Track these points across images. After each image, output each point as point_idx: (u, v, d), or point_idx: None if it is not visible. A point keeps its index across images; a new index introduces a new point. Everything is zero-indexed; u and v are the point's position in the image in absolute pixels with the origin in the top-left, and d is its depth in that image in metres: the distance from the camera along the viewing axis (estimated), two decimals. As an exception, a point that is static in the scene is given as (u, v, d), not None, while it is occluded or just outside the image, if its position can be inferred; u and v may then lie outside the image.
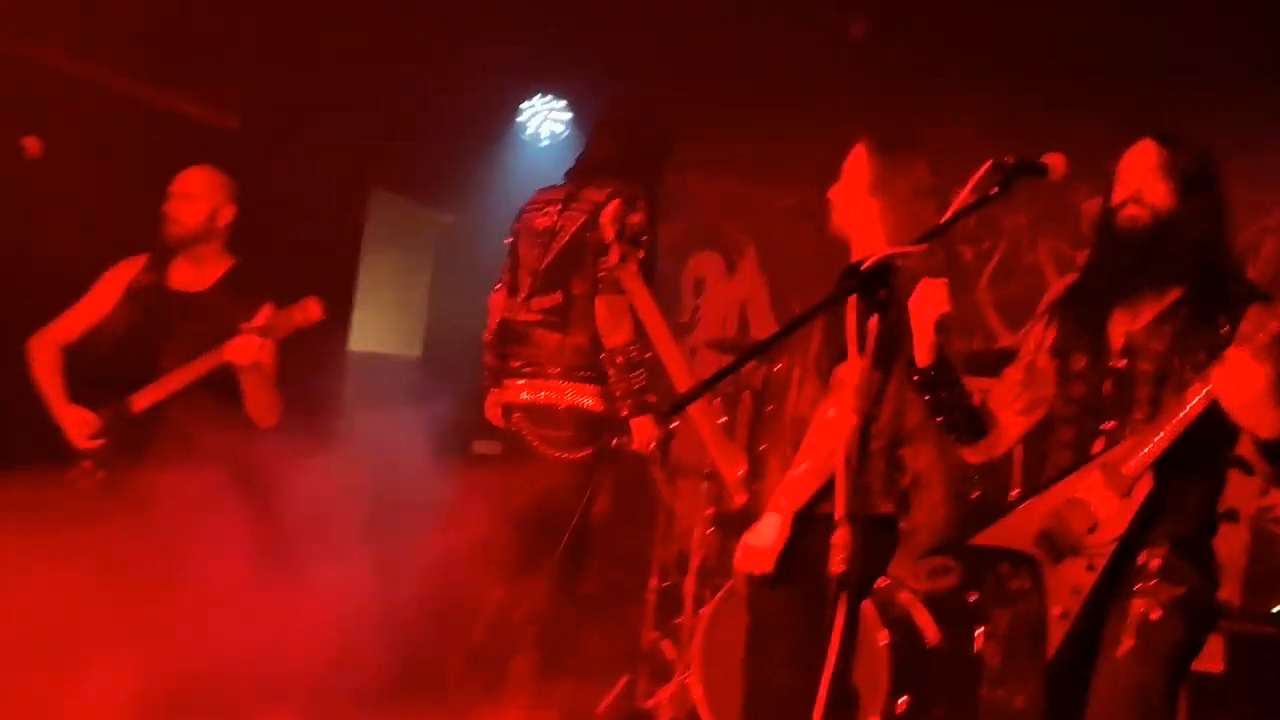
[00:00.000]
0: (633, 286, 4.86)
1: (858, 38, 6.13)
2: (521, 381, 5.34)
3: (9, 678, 4.29)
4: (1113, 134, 6.37)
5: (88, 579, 4.50)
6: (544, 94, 7.57)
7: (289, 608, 5.13)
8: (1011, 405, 3.70)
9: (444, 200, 8.12)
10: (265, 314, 5.01)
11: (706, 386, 2.79)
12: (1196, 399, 3.21)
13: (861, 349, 2.98)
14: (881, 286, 2.97)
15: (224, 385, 5.04)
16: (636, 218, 5.13)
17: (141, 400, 5.09)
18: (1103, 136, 6.44)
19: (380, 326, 8.44)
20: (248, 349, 4.92)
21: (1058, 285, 6.98)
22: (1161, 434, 3.27)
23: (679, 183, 7.68)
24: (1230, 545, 5.66)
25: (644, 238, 5.02)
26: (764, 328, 7.77)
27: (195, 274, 5.23)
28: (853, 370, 3.09)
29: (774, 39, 6.39)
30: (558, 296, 5.29)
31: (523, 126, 7.64)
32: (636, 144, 5.42)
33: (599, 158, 5.42)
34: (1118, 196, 3.51)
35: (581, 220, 5.26)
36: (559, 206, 5.37)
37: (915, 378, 3.58)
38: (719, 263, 8.07)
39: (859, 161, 4.14)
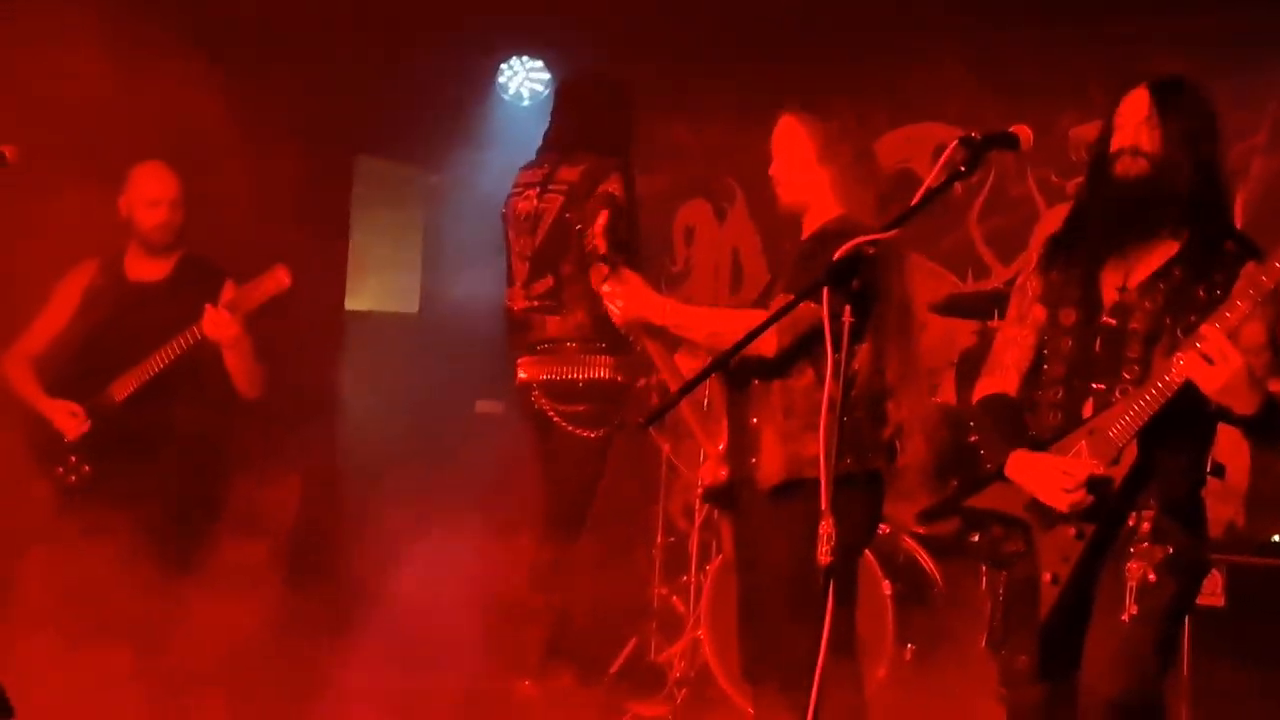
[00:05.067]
0: None
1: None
2: (538, 361, 5.45)
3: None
4: (1097, 64, 6.34)
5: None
6: (521, 55, 7.54)
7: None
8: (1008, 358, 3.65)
9: (430, 161, 8.11)
10: (230, 289, 5.15)
11: (682, 394, 2.81)
12: (1171, 377, 3.21)
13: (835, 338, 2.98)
14: (854, 277, 2.98)
15: (192, 369, 5.15)
16: (613, 186, 5.21)
17: (121, 389, 5.16)
18: (1088, 65, 6.49)
19: (375, 286, 8.48)
20: (222, 323, 5.03)
21: (1048, 215, 6.98)
22: (1144, 402, 3.27)
23: (665, 133, 7.65)
24: (1233, 467, 5.66)
25: (623, 206, 5.08)
26: (756, 274, 7.75)
27: (152, 265, 5.33)
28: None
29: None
30: (549, 280, 5.42)
31: (504, 87, 7.63)
32: (599, 114, 5.48)
33: (566, 135, 5.50)
34: (1114, 145, 3.47)
35: (560, 201, 5.42)
36: (537, 190, 5.50)
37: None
38: (708, 211, 8.06)
39: (796, 134, 4.11)
